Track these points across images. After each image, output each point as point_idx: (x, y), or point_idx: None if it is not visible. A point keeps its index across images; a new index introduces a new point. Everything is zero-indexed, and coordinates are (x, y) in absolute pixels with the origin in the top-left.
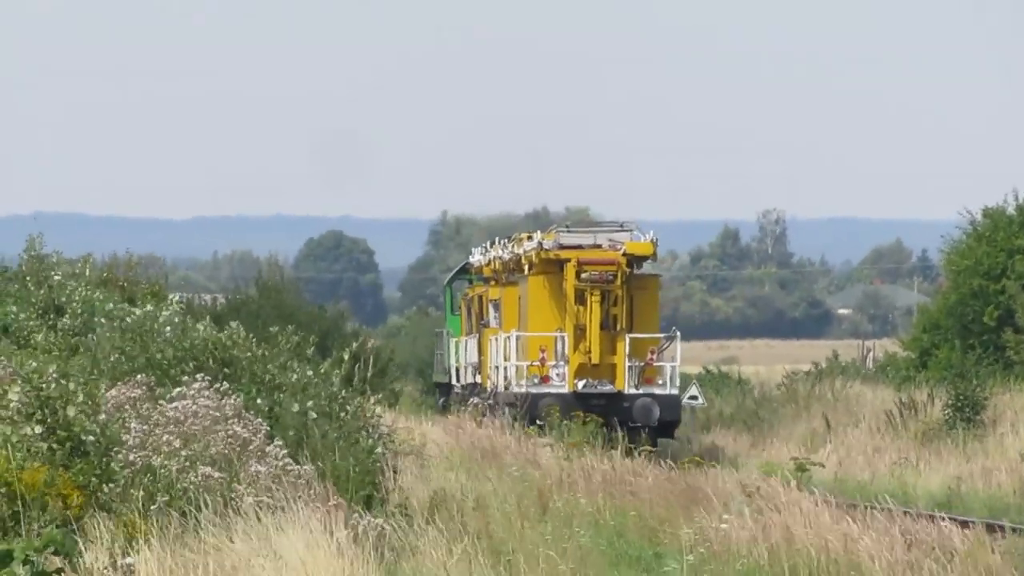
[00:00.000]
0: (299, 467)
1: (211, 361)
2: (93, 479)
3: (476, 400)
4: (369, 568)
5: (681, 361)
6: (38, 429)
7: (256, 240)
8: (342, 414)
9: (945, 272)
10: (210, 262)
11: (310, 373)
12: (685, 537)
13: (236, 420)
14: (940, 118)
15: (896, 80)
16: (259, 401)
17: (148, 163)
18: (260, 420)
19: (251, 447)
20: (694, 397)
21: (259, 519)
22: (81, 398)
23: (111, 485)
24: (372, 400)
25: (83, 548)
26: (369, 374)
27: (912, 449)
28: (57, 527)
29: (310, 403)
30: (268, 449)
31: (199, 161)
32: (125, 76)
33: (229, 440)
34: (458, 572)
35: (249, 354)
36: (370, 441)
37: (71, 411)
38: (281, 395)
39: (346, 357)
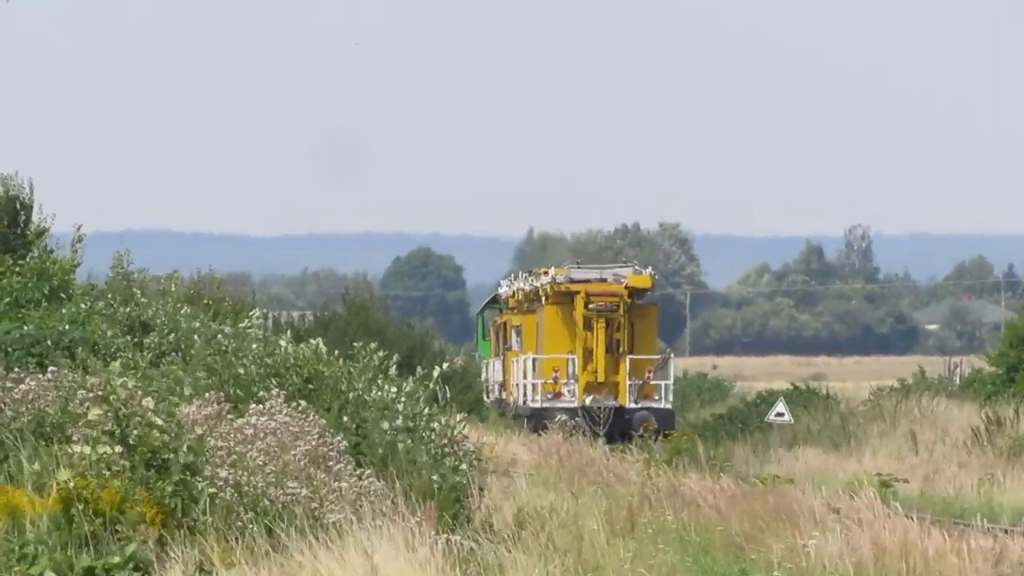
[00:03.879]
0: (382, 484)
1: (294, 377)
2: (175, 497)
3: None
4: None
5: (767, 377)
6: (117, 448)
7: (345, 257)
8: (428, 432)
9: None
10: (298, 278)
11: (395, 391)
12: (774, 553)
13: (316, 437)
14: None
15: (981, 95)
16: (344, 419)
17: (239, 180)
18: (340, 437)
19: (331, 464)
20: (780, 414)
21: (344, 536)
22: (160, 420)
23: (193, 504)
24: (458, 417)
25: (165, 566)
26: (450, 393)
27: (998, 465)
28: (138, 545)
29: (385, 424)
30: (349, 467)
31: (288, 179)
32: (215, 95)
33: (309, 457)
34: None
35: (333, 370)
36: (455, 460)
37: (150, 430)
38: (366, 412)
39: (435, 374)
